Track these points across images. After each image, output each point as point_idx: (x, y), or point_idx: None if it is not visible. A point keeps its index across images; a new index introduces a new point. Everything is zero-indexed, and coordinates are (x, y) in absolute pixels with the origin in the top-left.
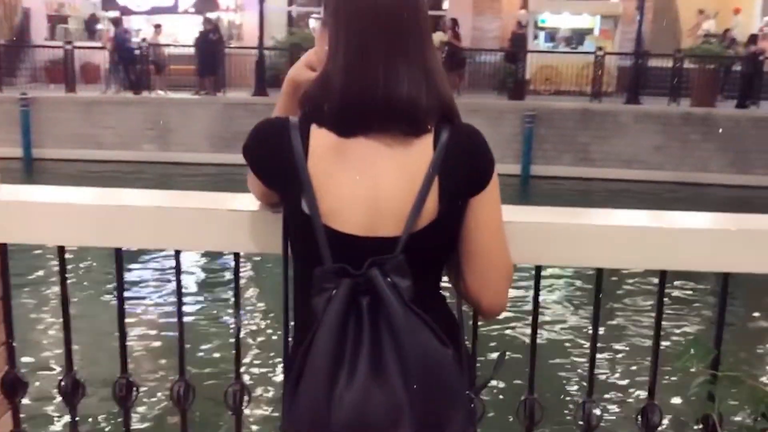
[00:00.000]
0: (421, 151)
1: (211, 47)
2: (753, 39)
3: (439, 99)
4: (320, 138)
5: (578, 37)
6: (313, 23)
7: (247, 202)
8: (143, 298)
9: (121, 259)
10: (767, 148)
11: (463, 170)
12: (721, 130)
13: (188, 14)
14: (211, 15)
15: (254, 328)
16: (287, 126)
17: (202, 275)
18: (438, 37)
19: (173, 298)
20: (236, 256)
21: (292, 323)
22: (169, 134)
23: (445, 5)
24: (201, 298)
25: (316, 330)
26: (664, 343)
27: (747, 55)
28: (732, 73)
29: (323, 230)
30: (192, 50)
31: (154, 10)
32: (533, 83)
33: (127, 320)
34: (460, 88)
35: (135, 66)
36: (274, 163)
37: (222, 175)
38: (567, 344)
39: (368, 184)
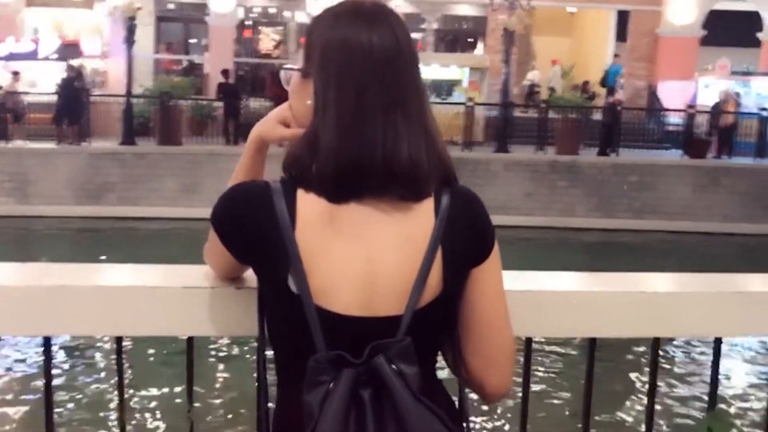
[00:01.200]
0: (422, 218)
1: (75, 94)
2: (611, 90)
3: (439, 159)
4: (309, 205)
5: (447, 88)
6: (285, 75)
7: (202, 277)
8: (76, 389)
9: (50, 349)
10: (627, 193)
11: (466, 238)
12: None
13: (49, 61)
14: (74, 61)
15: (215, 424)
16: (269, 191)
17: (149, 359)
18: None
19: (112, 390)
20: (190, 340)
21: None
22: (28, 186)
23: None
24: (149, 386)
25: None
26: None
27: (606, 106)
28: (591, 122)
29: (315, 311)
30: (53, 98)
31: (12, 57)
32: None
33: (56, 419)
34: None
35: None
36: (253, 234)
37: (88, 229)
38: (558, 419)
39: (364, 256)
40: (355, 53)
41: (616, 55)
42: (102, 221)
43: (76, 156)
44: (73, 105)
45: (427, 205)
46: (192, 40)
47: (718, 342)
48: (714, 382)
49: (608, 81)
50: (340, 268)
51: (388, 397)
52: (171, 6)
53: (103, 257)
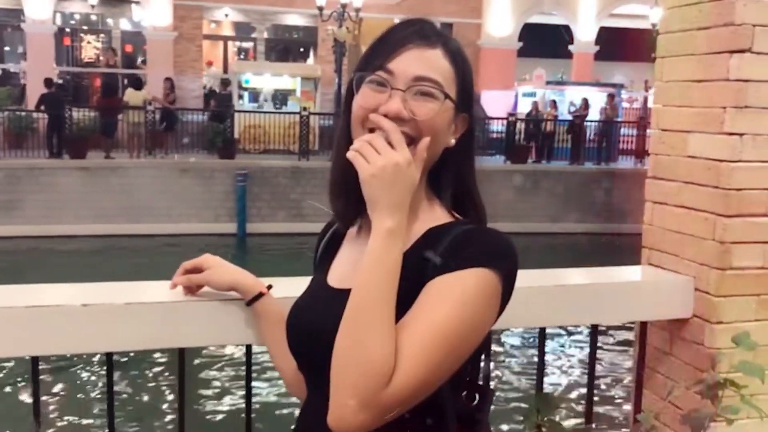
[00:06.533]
0: None
1: None
2: None
3: None
4: None
5: (281, 97)
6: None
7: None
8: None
9: (37, 367)
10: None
11: None
12: None
13: None
14: None
15: None
16: None
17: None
18: (142, 95)
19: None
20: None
21: None
22: None
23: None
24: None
25: None
26: None
27: None
28: None
29: None
30: None
31: None
32: (242, 142)
33: None
34: (169, 148)
35: None
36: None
37: None
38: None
39: None
40: None
41: None
42: None
43: None
44: None
45: None
46: (6, 48)
47: (542, 331)
48: (541, 367)
49: None
50: None
51: None
52: None
53: None
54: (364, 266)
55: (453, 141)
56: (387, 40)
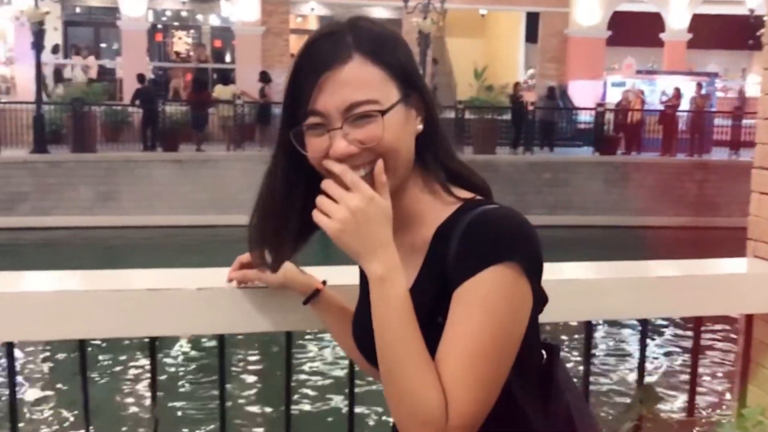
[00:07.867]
0: None
1: None
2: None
3: None
4: None
5: None
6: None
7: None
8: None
9: (154, 349)
10: (542, 190)
11: None
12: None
13: None
14: None
15: None
16: None
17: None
18: (230, 90)
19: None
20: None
21: None
22: None
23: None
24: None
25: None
26: None
27: (514, 107)
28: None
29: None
30: None
31: None
32: None
33: None
34: (258, 141)
35: None
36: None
37: (4, 242)
38: None
39: None
40: None
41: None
42: (20, 232)
43: None
44: None
45: None
46: (103, 45)
47: (644, 322)
48: (642, 359)
49: None
50: None
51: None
52: (79, 10)
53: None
54: (375, 321)
55: (420, 126)
56: (303, 67)
